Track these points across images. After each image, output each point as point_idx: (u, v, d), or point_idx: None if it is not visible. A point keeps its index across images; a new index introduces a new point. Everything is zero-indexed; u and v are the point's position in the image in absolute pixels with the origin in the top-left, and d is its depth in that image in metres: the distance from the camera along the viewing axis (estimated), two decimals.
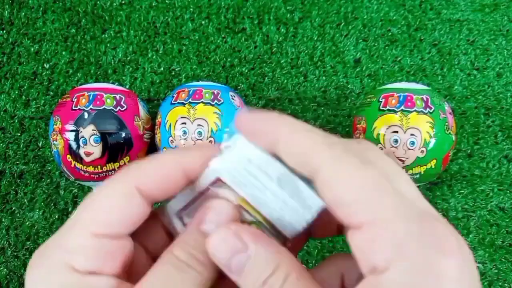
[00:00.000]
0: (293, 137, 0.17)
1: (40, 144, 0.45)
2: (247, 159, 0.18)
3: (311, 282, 0.16)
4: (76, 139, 0.36)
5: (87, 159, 0.37)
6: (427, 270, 0.13)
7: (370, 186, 0.14)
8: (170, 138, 0.37)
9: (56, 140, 0.37)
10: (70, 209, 0.43)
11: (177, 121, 0.37)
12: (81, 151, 0.36)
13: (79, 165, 0.37)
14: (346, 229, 0.16)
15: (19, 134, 0.45)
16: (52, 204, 0.43)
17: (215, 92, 0.38)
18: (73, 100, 0.37)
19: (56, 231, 0.17)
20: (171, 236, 0.20)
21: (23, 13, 0.48)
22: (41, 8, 0.48)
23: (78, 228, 0.17)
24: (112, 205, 0.17)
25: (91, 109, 0.36)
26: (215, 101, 0.37)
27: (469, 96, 0.47)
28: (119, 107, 0.37)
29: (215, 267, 0.17)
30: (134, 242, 0.18)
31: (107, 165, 0.37)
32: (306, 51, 0.48)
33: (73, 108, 0.37)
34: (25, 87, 0.46)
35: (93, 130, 0.36)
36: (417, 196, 0.15)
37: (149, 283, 0.16)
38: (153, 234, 0.20)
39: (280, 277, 0.16)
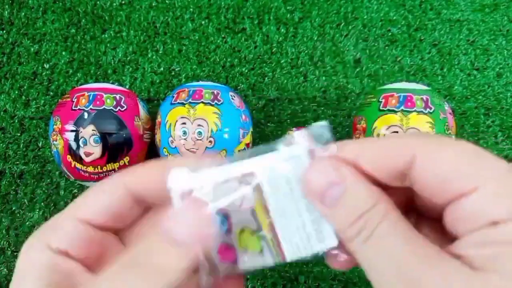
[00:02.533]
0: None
1: (40, 144, 0.45)
2: (290, 169, 0.17)
3: (410, 226, 0.15)
4: (76, 139, 0.36)
5: (87, 159, 0.37)
6: None
7: (471, 153, 0.14)
8: (170, 138, 0.37)
9: (56, 140, 0.37)
10: None
11: (177, 121, 0.37)
12: (81, 151, 0.36)
13: (79, 165, 0.37)
14: (446, 208, 0.15)
15: (19, 134, 0.45)
16: (52, 204, 0.43)
17: (215, 92, 0.38)
18: (73, 100, 0.37)
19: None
20: None
21: (23, 13, 0.48)
22: (41, 8, 0.48)
23: (67, 212, 0.18)
24: (101, 198, 0.18)
25: (91, 109, 0.36)
26: (215, 101, 0.37)
27: (469, 96, 0.47)
28: (119, 107, 0.37)
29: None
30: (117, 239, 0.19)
31: (107, 165, 0.37)
32: (306, 51, 0.48)
33: (73, 108, 0.37)
34: (25, 87, 0.46)
35: (93, 130, 0.36)
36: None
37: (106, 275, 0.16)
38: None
39: (380, 213, 0.15)
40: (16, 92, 0.46)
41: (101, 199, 0.18)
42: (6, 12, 0.48)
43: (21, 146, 0.45)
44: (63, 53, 0.47)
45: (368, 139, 0.17)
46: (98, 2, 0.49)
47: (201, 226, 0.16)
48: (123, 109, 0.38)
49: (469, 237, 0.14)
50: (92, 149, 0.36)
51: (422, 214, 0.18)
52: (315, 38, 0.48)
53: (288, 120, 0.45)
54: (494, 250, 0.13)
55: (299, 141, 0.18)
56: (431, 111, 0.36)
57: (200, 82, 0.40)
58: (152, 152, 0.41)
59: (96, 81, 0.46)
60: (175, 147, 0.37)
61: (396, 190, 0.17)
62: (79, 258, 0.17)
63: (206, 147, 0.36)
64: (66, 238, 0.17)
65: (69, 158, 0.37)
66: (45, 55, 0.47)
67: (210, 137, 0.36)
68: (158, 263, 0.15)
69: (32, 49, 0.47)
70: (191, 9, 0.49)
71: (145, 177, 0.19)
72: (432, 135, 0.16)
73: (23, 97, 0.46)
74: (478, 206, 0.14)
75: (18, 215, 0.43)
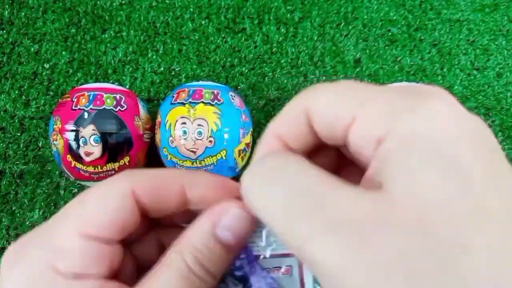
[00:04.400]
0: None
1: (40, 144, 0.45)
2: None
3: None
4: (76, 139, 0.36)
5: (87, 159, 0.37)
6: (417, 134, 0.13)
7: (345, 90, 0.15)
8: (170, 138, 0.37)
9: (56, 140, 0.37)
10: None
11: (177, 121, 0.37)
12: (81, 151, 0.36)
13: (79, 165, 0.37)
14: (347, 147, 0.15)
15: (19, 134, 0.45)
16: (52, 204, 0.43)
17: (215, 92, 0.38)
18: (73, 100, 0.37)
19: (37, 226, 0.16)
20: (162, 249, 0.18)
21: (23, 13, 0.48)
22: (41, 8, 0.48)
23: (65, 226, 0.15)
24: (105, 205, 0.16)
25: (91, 109, 0.36)
26: (215, 101, 0.37)
27: (469, 96, 0.47)
28: (119, 107, 0.37)
29: (218, 277, 0.16)
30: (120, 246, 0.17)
31: (107, 165, 0.37)
32: (306, 51, 0.48)
33: (73, 108, 0.37)
34: (25, 87, 0.46)
35: (93, 130, 0.36)
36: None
37: None
38: (144, 244, 0.19)
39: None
40: (16, 92, 0.46)
41: (107, 207, 0.16)
42: (6, 12, 0.48)
43: (21, 146, 0.45)
44: (63, 53, 0.47)
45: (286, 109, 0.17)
46: (98, 2, 0.49)
47: None
48: (123, 109, 0.38)
49: (370, 166, 0.14)
50: (92, 149, 0.36)
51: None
52: (315, 38, 0.48)
53: None
54: (382, 168, 0.13)
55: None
56: None
57: (200, 82, 0.40)
58: (152, 152, 0.41)
59: (96, 81, 0.46)
60: (175, 147, 0.37)
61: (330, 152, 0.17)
62: (93, 277, 0.15)
63: (206, 147, 0.36)
64: (77, 260, 0.15)
65: (69, 158, 0.37)
66: (45, 55, 0.47)
67: (210, 136, 0.36)
68: None
69: (32, 49, 0.47)
70: (191, 9, 0.49)
71: (156, 183, 0.17)
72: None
73: (23, 97, 0.46)
74: (361, 132, 0.14)
75: (18, 215, 0.43)
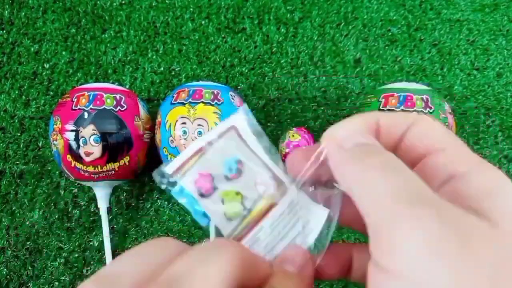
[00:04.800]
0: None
1: (40, 144, 0.45)
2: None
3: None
4: (76, 139, 0.36)
5: (87, 159, 0.37)
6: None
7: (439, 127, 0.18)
8: (170, 138, 0.37)
9: (56, 140, 0.37)
10: (70, 209, 0.43)
11: (177, 121, 0.37)
12: (81, 151, 0.36)
13: (79, 165, 0.37)
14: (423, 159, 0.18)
15: (19, 134, 0.45)
16: (52, 204, 0.43)
17: (215, 92, 0.38)
18: (73, 100, 0.37)
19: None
20: None
21: (23, 13, 0.48)
22: (41, 8, 0.48)
23: None
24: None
25: (91, 109, 0.36)
26: (215, 101, 0.37)
27: (469, 96, 0.47)
28: (119, 107, 0.37)
29: None
30: None
31: (107, 165, 0.37)
32: (306, 51, 0.48)
33: (73, 108, 0.37)
34: (25, 87, 0.46)
35: (93, 130, 0.36)
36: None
37: None
38: None
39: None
40: (16, 92, 0.46)
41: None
42: (6, 12, 0.48)
43: (21, 146, 0.45)
44: (63, 53, 0.47)
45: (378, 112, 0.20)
46: (98, 2, 0.49)
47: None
48: (123, 109, 0.38)
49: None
50: (92, 149, 0.36)
51: None
52: (315, 38, 0.48)
53: (288, 120, 0.45)
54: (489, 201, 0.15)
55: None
56: (431, 111, 0.36)
57: (200, 82, 0.40)
58: (152, 152, 0.41)
59: (96, 81, 0.46)
60: (175, 147, 0.37)
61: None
62: None
63: None
64: None
65: (69, 157, 0.37)
66: (45, 55, 0.47)
67: None
68: None
69: (32, 49, 0.47)
70: (191, 9, 0.49)
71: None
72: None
73: (23, 97, 0.46)
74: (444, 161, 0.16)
75: (18, 215, 0.43)
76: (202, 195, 0.18)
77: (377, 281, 0.14)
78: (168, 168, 0.18)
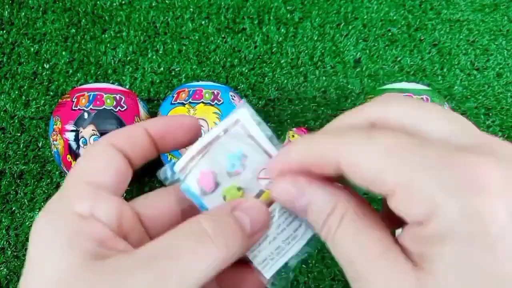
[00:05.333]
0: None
1: (40, 144, 0.45)
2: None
3: (368, 221, 0.16)
4: (76, 139, 0.36)
5: None
6: (468, 215, 0.13)
7: (391, 152, 0.14)
8: None
9: (56, 140, 0.37)
10: None
11: None
12: (81, 151, 0.36)
13: None
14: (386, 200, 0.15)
15: (19, 134, 0.45)
16: None
17: (215, 92, 0.38)
18: (73, 100, 0.37)
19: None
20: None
21: (23, 13, 0.48)
22: (41, 8, 0.48)
23: (72, 180, 0.18)
24: (93, 155, 0.18)
25: (91, 109, 0.36)
26: (215, 101, 0.37)
27: (469, 96, 0.47)
28: (119, 107, 0.37)
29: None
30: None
31: None
32: (306, 51, 0.48)
33: (73, 108, 0.37)
34: (25, 87, 0.46)
35: (93, 130, 0.36)
36: (450, 131, 0.15)
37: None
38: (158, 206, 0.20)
39: (337, 217, 0.16)
40: (16, 92, 0.46)
41: (104, 161, 0.18)
42: (6, 12, 0.48)
43: (21, 146, 0.45)
44: (63, 53, 0.47)
45: (308, 138, 0.17)
46: (98, 2, 0.49)
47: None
48: (123, 109, 0.38)
49: (406, 230, 0.15)
50: None
51: None
52: (315, 38, 0.48)
53: (288, 120, 0.45)
54: (424, 250, 0.14)
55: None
56: None
57: (200, 82, 0.40)
58: None
59: (96, 81, 0.46)
60: None
61: None
62: (107, 223, 0.17)
63: None
64: (90, 202, 0.17)
65: (69, 158, 0.37)
66: (45, 55, 0.47)
67: None
68: (184, 264, 0.15)
69: (32, 49, 0.47)
70: (191, 9, 0.49)
71: (126, 133, 0.19)
72: (357, 131, 0.16)
73: (23, 97, 0.46)
74: (400, 208, 0.14)
75: (18, 215, 0.43)
76: (205, 192, 0.19)
77: None
78: (176, 166, 0.19)
